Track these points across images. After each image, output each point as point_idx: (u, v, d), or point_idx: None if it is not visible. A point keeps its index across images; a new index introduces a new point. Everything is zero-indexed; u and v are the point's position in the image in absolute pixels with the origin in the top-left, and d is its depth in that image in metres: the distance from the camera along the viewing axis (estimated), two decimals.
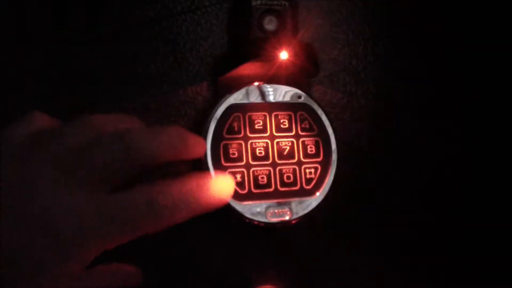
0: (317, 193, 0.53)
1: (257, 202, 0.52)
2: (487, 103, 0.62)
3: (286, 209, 0.52)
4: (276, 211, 0.52)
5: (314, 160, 0.54)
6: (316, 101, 0.55)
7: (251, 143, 0.53)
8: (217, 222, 0.55)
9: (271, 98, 0.54)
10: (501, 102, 0.63)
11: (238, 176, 0.52)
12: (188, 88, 0.55)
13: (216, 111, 0.52)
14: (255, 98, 0.53)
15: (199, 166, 0.52)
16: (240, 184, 0.52)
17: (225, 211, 0.52)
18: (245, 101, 0.53)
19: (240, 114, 0.53)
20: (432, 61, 0.62)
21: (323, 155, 0.54)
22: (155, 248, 0.53)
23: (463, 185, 0.62)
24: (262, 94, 0.53)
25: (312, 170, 0.54)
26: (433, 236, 0.60)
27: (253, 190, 0.52)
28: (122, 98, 0.53)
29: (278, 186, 0.53)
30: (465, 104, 0.62)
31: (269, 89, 0.54)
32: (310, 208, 0.53)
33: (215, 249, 0.55)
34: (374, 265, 0.58)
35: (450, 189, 0.61)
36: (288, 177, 0.53)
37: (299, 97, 0.54)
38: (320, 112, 0.54)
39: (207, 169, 0.51)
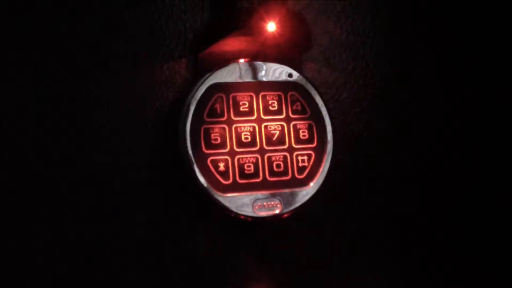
0: (311, 184, 0.48)
1: (243, 193, 0.47)
2: (494, 83, 0.58)
3: (276, 201, 0.48)
4: (264, 203, 0.47)
5: (307, 146, 0.49)
6: (309, 80, 0.50)
7: (236, 128, 0.48)
8: (199, 216, 0.50)
9: (258, 77, 0.49)
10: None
11: (222, 165, 0.47)
12: (165, 66, 0.49)
13: (196, 91, 0.47)
14: (240, 76, 0.48)
15: (177, 154, 0.46)
16: (223, 174, 0.47)
17: (207, 204, 0.47)
18: (229, 80, 0.48)
19: (223, 95, 0.48)
20: (440, 36, 0.57)
21: (317, 141, 0.49)
22: (135, 245, 0.48)
23: (466, 177, 0.57)
24: (248, 72, 0.49)
25: (305, 158, 0.49)
26: (435, 231, 0.56)
27: (238, 180, 0.47)
28: (87, 75, 0.47)
29: (267, 176, 0.48)
30: (471, 85, 0.57)
31: (256, 66, 0.49)
32: (303, 201, 0.48)
33: (196, 247, 0.49)
34: (373, 263, 0.53)
35: (452, 180, 0.56)
36: (278, 166, 0.48)
37: (290, 75, 0.49)
38: (313, 92, 0.50)
39: (186, 156, 0.46)
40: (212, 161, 0.47)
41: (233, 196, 0.47)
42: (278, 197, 0.48)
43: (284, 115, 0.49)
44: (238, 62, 0.48)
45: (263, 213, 0.47)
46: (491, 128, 0.58)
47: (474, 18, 0.58)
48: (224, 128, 0.47)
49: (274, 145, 0.48)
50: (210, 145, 0.47)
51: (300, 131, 0.49)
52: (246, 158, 0.47)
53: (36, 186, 0.46)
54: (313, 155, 0.49)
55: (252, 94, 0.48)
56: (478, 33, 0.58)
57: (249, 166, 0.47)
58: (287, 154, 0.48)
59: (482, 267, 0.57)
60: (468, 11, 0.58)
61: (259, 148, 0.48)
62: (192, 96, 0.47)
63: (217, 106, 0.47)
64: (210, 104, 0.47)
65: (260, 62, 0.49)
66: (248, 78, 0.48)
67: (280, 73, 0.49)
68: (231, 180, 0.47)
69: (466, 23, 0.58)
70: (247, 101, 0.48)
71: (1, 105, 0.46)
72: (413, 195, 0.55)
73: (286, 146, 0.48)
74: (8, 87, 0.46)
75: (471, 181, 0.57)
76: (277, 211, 0.47)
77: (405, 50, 0.56)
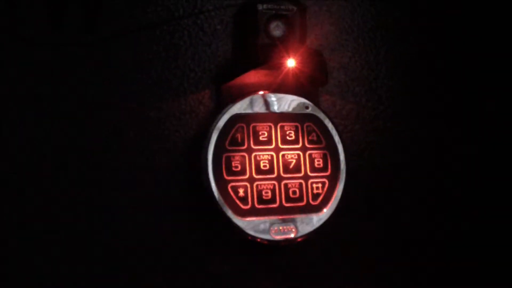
0: (325, 210, 0.50)
1: (261, 218, 0.49)
2: (506, 113, 0.60)
3: (292, 226, 0.50)
4: (280, 228, 0.49)
5: (322, 174, 0.51)
6: (324, 111, 0.52)
7: (255, 156, 0.50)
8: (217, 238, 0.52)
9: (276, 108, 0.51)
10: None
11: (241, 191, 0.49)
12: (189, 97, 0.52)
13: (218, 121, 0.50)
14: (259, 108, 0.51)
15: (199, 180, 0.49)
16: (243, 199, 0.49)
17: (226, 227, 0.49)
18: (249, 111, 0.50)
19: (243, 125, 0.50)
20: (449, 71, 0.59)
21: (331, 169, 0.51)
22: (153, 266, 0.50)
23: (478, 200, 0.59)
24: (267, 104, 0.51)
25: (320, 185, 0.51)
26: (448, 253, 0.58)
27: (256, 205, 0.49)
28: (117, 105, 0.50)
29: (283, 202, 0.50)
30: (483, 115, 0.59)
31: (275, 98, 0.51)
32: (317, 225, 0.50)
33: (214, 268, 0.52)
34: (385, 286, 0.55)
35: (464, 204, 0.58)
36: (294, 192, 0.50)
37: (307, 107, 0.52)
38: (328, 123, 0.52)
39: (208, 182, 0.48)
40: (232, 187, 0.49)
41: (251, 220, 0.49)
42: (294, 222, 0.49)
43: (300, 145, 0.51)
44: (258, 94, 0.50)
45: (279, 237, 0.49)
46: (507, 158, 0.60)
47: (488, 50, 0.60)
48: (244, 156, 0.49)
49: (290, 172, 0.50)
50: (231, 172, 0.49)
51: (315, 160, 0.51)
52: (264, 184, 0.50)
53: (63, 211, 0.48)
54: (327, 182, 0.51)
55: (271, 124, 0.50)
56: (492, 66, 0.60)
57: (266, 192, 0.49)
58: (303, 182, 0.50)
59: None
60: (482, 43, 0.59)
61: (277, 176, 0.50)
62: (215, 126, 0.49)
63: (238, 135, 0.50)
64: (231, 133, 0.49)
65: (279, 95, 0.51)
66: (267, 110, 0.50)
67: (298, 105, 0.51)
68: (249, 205, 0.49)
69: (478, 56, 0.59)
70: (266, 131, 0.50)
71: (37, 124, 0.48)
72: (423, 221, 0.57)
73: (301, 174, 0.50)
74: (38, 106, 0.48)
75: (483, 207, 0.59)
76: (292, 235, 0.49)
77: (416, 84, 0.58)
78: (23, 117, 0.48)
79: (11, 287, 0.47)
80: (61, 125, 0.49)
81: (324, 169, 0.51)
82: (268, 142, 0.50)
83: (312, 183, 0.51)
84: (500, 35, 0.60)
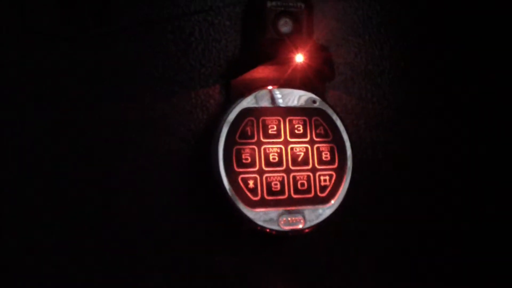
0: (332, 201, 0.52)
1: (270, 209, 0.50)
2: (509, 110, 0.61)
3: (300, 217, 0.51)
4: (289, 219, 0.50)
5: (329, 167, 0.52)
6: (331, 106, 0.53)
7: (265, 149, 0.51)
8: (226, 229, 0.53)
9: (285, 103, 0.52)
10: None
11: (251, 182, 0.50)
12: (200, 91, 0.53)
13: (228, 115, 0.51)
14: (268, 102, 0.52)
15: (210, 171, 0.50)
16: (252, 191, 0.50)
17: (236, 218, 0.50)
18: (259, 105, 0.51)
19: (253, 119, 0.51)
20: (452, 67, 0.60)
21: (338, 162, 0.52)
22: (165, 255, 0.52)
23: (483, 193, 0.60)
24: (276, 98, 0.52)
25: (327, 178, 0.52)
26: (454, 246, 0.59)
27: (266, 196, 0.50)
28: (130, 99, 0.51)
29: (292, 193, 0.51)
30: (486, 111, 0.60)
31: (283, 93, 0.52)
32: (324, 217, 0.51)
33: (223, 258, 0.53)
34: (391, 277, 0.56)
35: (469, 197, 0.59)
36: (302, 184, 0.51)
37: (314, 102, 0.53)
38: (335, 117, 0.53)
39: (219, 174, 0.50)
40: (242, 179, 0.50)
41: (261, 211, 0.50)
42: (302, 213, 0.51)
43: (308, 138, 0.52)
44: (267, 89, 0.52)
45: (287, 228, 0.50)
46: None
47: (493, 44, 0.61)
48: (254, 149, 0.51)
49: (299, 165, 0.51)
50: (241, 164, 0.50)
51: (323, 153, 0.52)
52: (274, 176, 0.51)
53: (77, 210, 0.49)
54: (334, 175, 0.52)
55: (280, 118, 0.51)
56: (498, 59, 0.61)
57: (276, 184, 0.51)
58: (311, 174, 0.51)
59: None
60: (486, 38, 0.60)
61: (285, 168, 0.51)
62: (225, 119, 0.50)
63: (248, 128, 0.51)
64: (241, 126, 0.50)
65: (287, 90, 0.52)
66: (276, 104, 0.52)
67: (305, 100, 0.52)
68: (259, 197, 0.50)
69: (483, 51, 0.60)
70: (275, 124, 0.51)
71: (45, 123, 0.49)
72: (428, 212, 0.58)
73: (309, 167, 0.52)
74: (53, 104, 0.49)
75: (486, 199, 0.60)
76: (300, 226, 0.50)
77: (420, 79, 0.59)
78: (23, 117, 0.48)
79: (11, 287, 0.48)
80: (62, 123, 0.49)
81: (331, 162, 0.52)
82: (277, 135, 0.51)
83: (319, 175, 0.52)
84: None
